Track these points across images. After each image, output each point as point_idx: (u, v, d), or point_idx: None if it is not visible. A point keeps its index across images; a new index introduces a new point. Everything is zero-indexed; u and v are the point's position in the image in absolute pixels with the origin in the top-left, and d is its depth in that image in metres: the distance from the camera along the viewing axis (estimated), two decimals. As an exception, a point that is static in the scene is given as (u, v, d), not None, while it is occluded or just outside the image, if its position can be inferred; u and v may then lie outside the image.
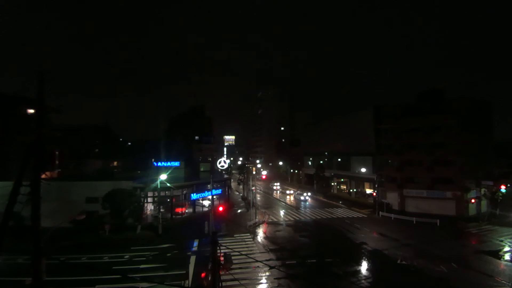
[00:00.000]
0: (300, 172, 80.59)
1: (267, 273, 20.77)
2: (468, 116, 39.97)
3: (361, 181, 54.88)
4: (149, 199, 35.12)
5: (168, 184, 32.83)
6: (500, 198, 36.93)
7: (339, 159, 60.62)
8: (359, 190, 55.74)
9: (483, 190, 38.94)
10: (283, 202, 52.90)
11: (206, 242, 25.59)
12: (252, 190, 44.55)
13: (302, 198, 52.72)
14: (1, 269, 19.20)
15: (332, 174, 62.28)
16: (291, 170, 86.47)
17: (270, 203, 51.83)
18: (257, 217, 36.61)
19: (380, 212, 40.30)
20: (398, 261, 23.02)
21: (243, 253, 23.24)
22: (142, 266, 21.59)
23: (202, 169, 54.85)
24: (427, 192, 40.42)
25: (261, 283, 19.59)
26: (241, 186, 60.37)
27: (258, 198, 53.47)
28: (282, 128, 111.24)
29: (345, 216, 40.13)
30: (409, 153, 42.73)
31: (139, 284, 18.48)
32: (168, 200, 36.19)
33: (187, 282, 18.69)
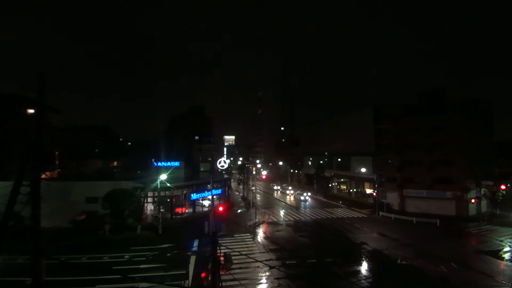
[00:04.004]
0: (300, 172, 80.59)
1: (267, 273, 20.76)
2: (468, 116, 39.98)
3: (361, 181, 54.88)
4: (149, 199, 35.11)
5: (168, 184, 32.82)
6: (500, 198, 36.91)
7: (339, 159, 60.64)
8: (359, 190, 55.73)
9: (483, 190, 38.92)
10: (283, 202, 52.90)
11: (206, 242, 25.57)
12: (252, 190, 44.56)
13: (302, 198, 52.72)
14: (1, 269, 19.19)
15: (332, 174, 62.28)
16: (291, 170, 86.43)
17: (270, 203, 51.83)
18: (257, 217, 36.60)
19: (380, 212, 40.28)
20: (398, 261, 23.01)
21: (243, 253, 23.22)
22: (142, 266, 21.58)
23: (202, 169, 54.97)
24: (427, 192, 40.41)
25: (261, 283, 19.59)
26: (241, 186, 60.38)
27: (258, 198, 53.47)
28: (282, 128, 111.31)
29: (345, 216, 40.12)
30: (409, 153, 42.72)
31: (139, 284, 18.47)
32: (168, 200, 36.17)
33: (187, 282, 18.67)
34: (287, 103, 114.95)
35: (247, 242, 27.96)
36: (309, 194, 55.17)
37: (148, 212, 35.57)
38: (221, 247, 9.00)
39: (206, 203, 42.65)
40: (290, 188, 63.65)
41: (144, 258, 23.09)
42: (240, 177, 57.36)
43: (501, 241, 28.33)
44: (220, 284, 9.18)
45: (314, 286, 19.34)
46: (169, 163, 41.06)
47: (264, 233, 31.74)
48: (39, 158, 7.42)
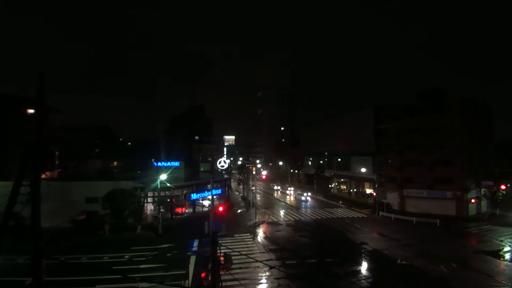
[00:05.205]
0: (300, 172, 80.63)
1: (267, 273, 20.76)
2: (468, 116, 39.97)
3: (361, 181, 54.90)
4: (149, 199, 35.13)
5: (168, 184, 32.83)
6: (500, 198, 36.91)
7: (339, 159, 60.66)
8: (359, 190, 55.75)
9: (483, 190, 38.90)
10: (283, 202, 52.91)
11: (206, 242, 25.58)
12: (252, 190, 44.58)
13: (303, 198, 52.73)
14: (1, 269, 19.21)
15: (332, 174, 62.30)
16: (291, 170, 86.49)
17: (270, 203, 51.84)
18: (257, 217, 36.62)
19: (380, 212, 40.30)
20: (398, 261, 23.01)
21: (243, 253, 23.24)
22: (142, 266, 21.59)
23: (202, 169, 54.99)
24: (427, 192, 40.41)
25: (261, 283, 19.59)
26: (241, 186, 60.40)
27: (258, 198, 53.51)
28: (282, 128, 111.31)
29: (345, 216, 40.13)
30: (409, 153, 42.72)
31: (139, 284, 18.47)
32: (168, 200, 36.20)
33: (187, 282, 18.67)
34: (287, 103, 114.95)
35: (247, 242, 27.97)
36: (309, 194, 55.18)
37: (148, 212, 35.58)
38: (221, 247, 9.00)
39: (206, 203, 42.68)
40: (290, 188, 63.73)
41: (144, 258, 23.10)
42: (240, 177, 57.39)
43: (501, 241, 28.35)
44: (220, 284, 9.17)
45: (314, 286, 19.35)
46: (169, 163, 41.08)
47: (264, 233, 31.74)
48: (39, 158, 7.42)
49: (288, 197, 58.02)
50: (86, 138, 63.38)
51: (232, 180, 63.60)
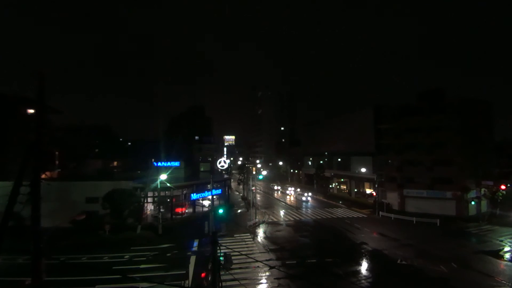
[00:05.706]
0: (300, 172, 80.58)
1: (267, 273, 20.76)
2: (468, 116, 39.95)
3: (361, 181, 54.87)
4: (149, 199, 35.09)
5: (168, 184, 32.82)
6: (500, 198, 36.90)
7: (339, 159, 60.64)
8: (359, 190, 55.73)
9: (483, 190, 38.90)
10: (283, 202, 52.88)
11: (206, 242, 25.58)
12: (252, 190, 44.56)
13: (303, 198, 52.69)
14: (1, 269, 19.20)
15: (332, 174, 62.27)
16: (291, 170, 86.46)
17: (270, 203, 51.80)
18: (257, 217, 36.61)
19: (380, 212, 40.28)
20: (398, 261, 23.01)
21: (243, 253, 23.25)
22: (142, 266, 21.58)
23: (202, 169, 55.01)
24: (427, 192, 40.40)
25: (261, 283, 19.58)
26: (241, 186, 60.37)
27: (258, 198, 53.48)
28: (282, 128, 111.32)
29: (345, 216, 40.12)
30: (409, 153, 42.71)
31: (139, 284, 18.48)
32: (168, 200, 36.17)
33: (187, 282, 18.68)
34: (287, 103, 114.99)
35: (247, 242, 27.96)
36: (309, 194, 55.15)
37: (148, 212, 35.57)
38: (221, 247, 9.00)
39: (206, 203, 42.65)
40: (290, 188, 63.65)
41: (144, 258, 23.09)
42: (240, 177, 57.35)
43: (501, 241, 28.34)
44: (220, 284, 9.18)
45: (314, 286, 19.33)
46: (169, 163, 41.05)
47: (264, 233, 31.74)
48: (39, 158, 7.43)
49: (288, 197, 57.98)
50: (86, 138, 63.14)
51: (232, 180, 63.55)
